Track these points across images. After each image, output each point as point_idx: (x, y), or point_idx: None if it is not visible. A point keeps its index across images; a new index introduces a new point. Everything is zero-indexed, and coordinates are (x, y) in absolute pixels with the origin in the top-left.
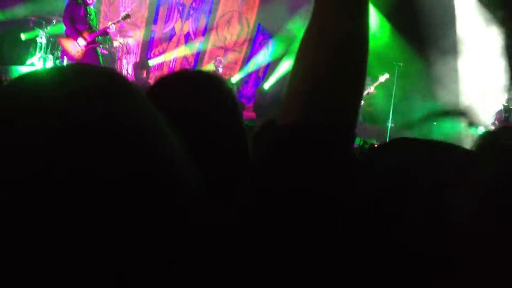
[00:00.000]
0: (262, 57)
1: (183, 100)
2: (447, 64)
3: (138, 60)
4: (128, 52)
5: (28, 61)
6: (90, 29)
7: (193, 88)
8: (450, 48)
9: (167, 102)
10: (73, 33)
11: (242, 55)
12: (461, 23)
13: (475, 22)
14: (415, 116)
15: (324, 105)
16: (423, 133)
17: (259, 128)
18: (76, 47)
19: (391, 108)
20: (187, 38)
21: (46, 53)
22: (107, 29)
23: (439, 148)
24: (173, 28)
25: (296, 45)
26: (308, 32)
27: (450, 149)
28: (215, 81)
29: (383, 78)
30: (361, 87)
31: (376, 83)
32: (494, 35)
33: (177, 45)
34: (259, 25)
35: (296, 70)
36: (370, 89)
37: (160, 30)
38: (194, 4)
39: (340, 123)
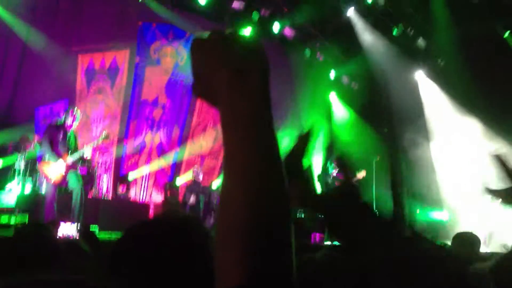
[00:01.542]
0: None
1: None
2: (420, 154)
3: (114, 175)
4: (107, 169)
5: (7, 186)
6: (69, 151)
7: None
8: (422, 139)
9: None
10: (53, 156)
11: (221, 161)
12: (429, 114)
13: (443, 111)
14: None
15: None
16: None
17: None
18: (55, 171)
19: (374, 200)
20: (160, 150)
21: (24, 178)
22: (87, 153)
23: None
24: (143, 140)
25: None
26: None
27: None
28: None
29: (361, 175)
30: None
31: (355, 180)
32: (464, 124)
33: (149, 156)
34: None
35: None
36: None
37: (131, 144)
38: (164, 117)
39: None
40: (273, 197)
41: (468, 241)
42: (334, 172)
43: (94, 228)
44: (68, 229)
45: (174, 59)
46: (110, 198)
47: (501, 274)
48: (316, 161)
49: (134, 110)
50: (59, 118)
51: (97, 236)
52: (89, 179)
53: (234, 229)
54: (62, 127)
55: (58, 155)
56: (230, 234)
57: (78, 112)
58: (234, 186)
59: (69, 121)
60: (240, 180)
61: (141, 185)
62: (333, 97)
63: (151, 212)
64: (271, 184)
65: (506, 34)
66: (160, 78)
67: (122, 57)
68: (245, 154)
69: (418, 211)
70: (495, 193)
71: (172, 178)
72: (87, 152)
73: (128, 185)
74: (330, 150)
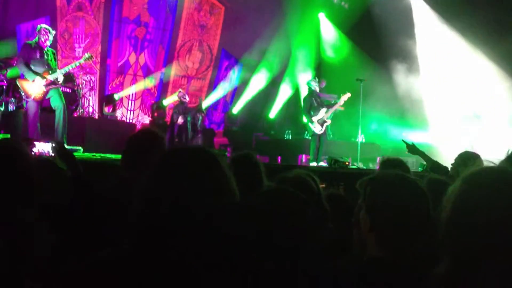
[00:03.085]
0: (228, 82)
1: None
2: (409, 78)
3: (99, 95)
4: (92, 89)
5: None
6: (50, 69)
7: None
8: (412, 62)
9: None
10: (30, 74)
11: (207, 81)
12: (420, 35)
13: (434, 32)
14: (383, 130)
15: None
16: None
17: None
18: (36, 88)
19: (360, 124)
20: (146, 70)
21: (7, 96)
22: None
23: None
24: (127, 60)
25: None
26: None
27: None
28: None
29: (345, 97)
30: None
31: (340, 103)
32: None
33: (135, 77)
34: (223, 50)
35: None
36: (335, 107)
37: (114, 64)
38: (148, 36)
39: None
40: None
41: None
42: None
43: (79, 149)
44: (44, 147)
45: None
46: (96, 117)
47: None
48: (303, 79)
49: (115, 28)
50: (33, 37)
51: (73, 154)
52: (73, 98)
53: None
54: (37, 46)
55: (38, 73)
56: None
57: (50, 30)
58: None
59: (42, 39)
60: None
61: (128, 105)
62: (322, 17)
63: None
64: None
65: None
66: None
67: None
68: None
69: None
70: (410, 147)
71: (158, 99)
72: (67, 71)
73: (114, 105)
74: (318, 70)
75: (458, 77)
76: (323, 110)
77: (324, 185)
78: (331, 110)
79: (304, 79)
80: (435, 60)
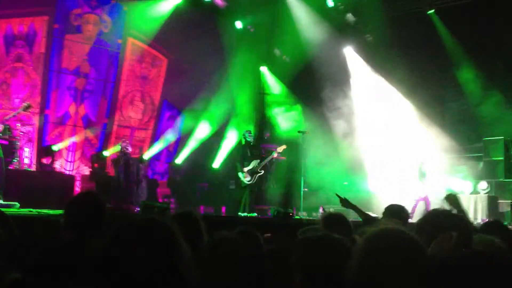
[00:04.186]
0: (171, 133)
1: None
2: (347, 127)
3: (37, 147)
4: (30, 140)
5: None
6: None
7: None
8: (350, 112)
9: None
10: None
11: (150, 131)
12: (355, 86)
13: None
14: (325, 178)
15: None
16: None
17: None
18: None
19: (302, 174)
20: (86, 121)
21: None
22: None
23: None
24: (67, 111)
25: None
26: None
27: None
28: None
29: (280, 149)
30: None
31: (274, 156)
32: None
33: (75, 128)
34: (165, 101)
35: None
36: (268, 159)
37: (53, 115)
38: (88, 87)
39: None
40: None
41: (398, 213)
42: None
43: (15, 204)
44: None
45: (97, 27)
46: (33, 169)
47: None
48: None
49: (54, 79)
50: None
51: (5, 214)
52: (10, 150)
53: None
54: None
55: None
56: None
57: None
58: None
59: None
60: None
61: (67, 157)
62: (265, 70)
63: (79, 184)
64: None
65: (431, 12)
66: (82, 46)
67: (41, 23)
68: None
69: (346, 182)
70: (343, 201)
71: (100, 150)
72: (4, 122)
73: (53, 157)
74: (262, 124)
75: (391, 124)
76: (255, 161)
77: (269, 235)
78: (264, 162)
79: (246, 129)
80: (369, 109)
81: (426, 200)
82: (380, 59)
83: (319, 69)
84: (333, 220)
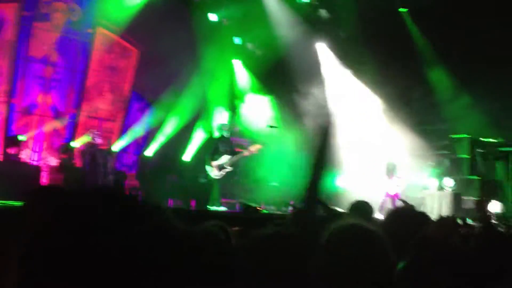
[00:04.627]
0: (140, 125)
1: None
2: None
3: (3, 136)
4: None
5: None
6: None
7: None
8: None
9: None
10: None
11: (119, 123)
12: (328, 83)
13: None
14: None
15: None
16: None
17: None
18: None
19: (271, 168)
20: (54, 111)
21: None
22: None
23: None
24: (35, 100)
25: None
26: None
27: None
28: None
29: (254, 148)
30: None
31: (245, 153)
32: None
33: (42, 118)
34: (134, 93)
35: None
36: (238, 156)
37: (20, 104)
38: (56, 76)
39: None
40: None
41: (363, 208)
42: None
43: None
44: None
45: (66, 15)
46: None
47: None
48: (216, 122)
49: (21, 67)
50: None
51: None
52: None
53: None
54: None
55: None
56: None
57: None
58: None
59: None
60: None
61: (34, 147)
62: (237, 63)
63: (46, 175)
64: None
65: (403, 10)
66: (50, 34)
67: (10, 10)
68: None
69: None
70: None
71: (68, 140)
72: None
73: (19, 147)
74: (233, 115)
75: (360, 120)
76: (226, 157)
77: (237, 228)
78: (234, 158)
79: (217, 123)
80: (340, 104)
81: (393, 197)
82: (351, 55)
83: (292, 64)
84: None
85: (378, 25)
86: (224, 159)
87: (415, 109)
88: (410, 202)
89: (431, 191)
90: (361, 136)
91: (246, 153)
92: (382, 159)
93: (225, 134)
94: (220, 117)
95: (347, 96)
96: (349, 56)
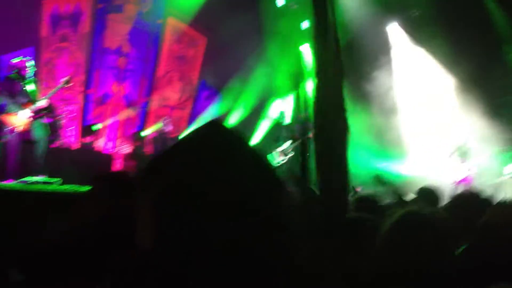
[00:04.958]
0: (208, 113)
1: None
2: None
3: (80, 125)
4: (72, 119)
5: None
6: (32, 101)
7: None
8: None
9: None
10: (15, 107)
11: (187, 111)
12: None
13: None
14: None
15: None
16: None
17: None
18: (19, 120)
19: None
20: (128, 100)
21: None
22: (48, 101)
23: None
24: (109, 90)
25: (241, 98)
26: None
27: None
28: None
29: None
30: None
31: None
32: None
33: (116, 107)
34: (203, 81)
35: None
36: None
37: (96, 94)
38: (130, 67)
39: None
40: None
41: (430, 195)
42: None
43: (58, 180)
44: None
45: (137, 7)
46: (75, 148)
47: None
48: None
49: (97, 58)
50: (15, 68)
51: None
52: (53, 129)
53: None
54: (20, 77)
55: (20, 105)
56: None
57: (30, 63)
58: None
59: (23, 70)
60: None
61: (109, 135)
62: (306, 49)
63: (120, 163)
64: None
65: None
66: (123, 25)
67: (86, 3)
68: None
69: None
70: (378, 179)
71: (140, 129)
72: (48, 100)
73: (94, 135)
74: (298, 100)
75: (433, 103)
76: (289, 142)
77: None
78: (295, 144)
79: (281, 109)
80: (411, 88)
81: (466, 182)
82: (425, 34)
83: (361, 47)
84: (365, 202)
85: (453, 1)
86: (287, 144)
87: (491, 90)
88: (484, 188)
89: (506, 177)
90: (432, 118)
91: (309, 135)
92: (453, 143)
93: (289, 120)
94: (285, 103)
95: (418, 77)
96: (422, 35)
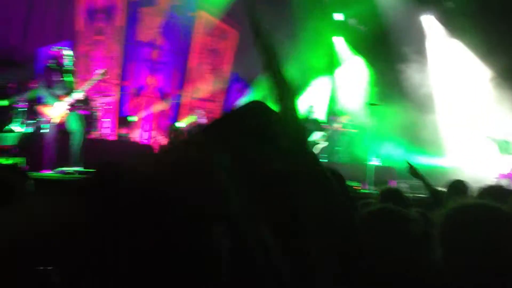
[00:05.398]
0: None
1: None
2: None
3: (117, 117)
4: (108, 111)
5: (11, 127)
6: (69, 92)
7: None
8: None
9: None
10: (52, 99)
11: (219, 103)
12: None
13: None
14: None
15: None
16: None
17: None
18: (56, 112)
19: (370, 147)
20: (161, 92)
21: (25, 119)
22: (84, 93)
23: None
24: (144, 82)
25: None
26: None
27: None
28: None
29: (343, 118)
30: None
31: (337, 126)
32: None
33: (150, 99)
34: (235, 74)
35: None
36: (331, 129)
37: (131, 86)
38: (162, 59)
39: None
40: None
41: (459, 188)
42: None
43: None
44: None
45: (169, 0)
46: (112, 139)
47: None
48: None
49: (130, 51)
50: (53, 60)
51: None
52: (89, 120)
53: None
54: (58, 69)
55: (57, 97)
56: None
57: (68, 52)
58: None
59: (61, 62)
60: None
61: (144, 127)
62: (338, 40)
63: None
64: None
65: None
66: (155, 18)
67: None
68: None
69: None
70: (412, 169)
71: (174, 121)
72: (84, 92)
73: (130, 127)
74: (332, 92)
75: (469, 96)
76: (319, 133)
77: None
78: (327, 133)
79: (311, 103)
80: (447, 80)
81: (509, 177)
82: (460, 25)
83: (395, 39)
84: (391, 195)
85: None
86: (316, 135)
87: None
88: None
89: None
90: (469, 111)
91: (336, 126)
92: (493, 136)
93: (316, 113)
94: (317, 95)
95: (454, 69)
96: (457, 26)
